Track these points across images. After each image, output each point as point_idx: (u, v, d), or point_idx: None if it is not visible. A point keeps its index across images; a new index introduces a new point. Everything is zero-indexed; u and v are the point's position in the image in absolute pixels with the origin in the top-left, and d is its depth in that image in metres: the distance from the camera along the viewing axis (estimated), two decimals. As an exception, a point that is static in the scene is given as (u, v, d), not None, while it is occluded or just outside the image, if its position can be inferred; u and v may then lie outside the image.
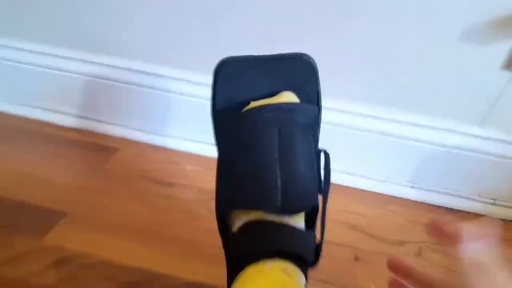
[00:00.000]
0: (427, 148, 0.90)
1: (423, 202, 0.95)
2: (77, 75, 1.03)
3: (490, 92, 0.83)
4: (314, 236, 0.54)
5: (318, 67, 0.57)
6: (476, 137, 0.87)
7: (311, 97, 0.58)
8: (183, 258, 0.77)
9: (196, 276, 0.74)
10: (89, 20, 0.97)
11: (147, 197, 0.90)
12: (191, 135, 1.03)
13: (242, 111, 0.56)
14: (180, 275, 0.74)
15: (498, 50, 0.78)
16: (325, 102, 0.89)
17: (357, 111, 0.91)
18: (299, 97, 0.57)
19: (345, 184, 0.97)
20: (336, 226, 0.87)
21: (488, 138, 0.86)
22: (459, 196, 0.94)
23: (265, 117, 0.53)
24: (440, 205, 0.94)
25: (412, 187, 0.95)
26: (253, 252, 0.48)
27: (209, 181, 0.92)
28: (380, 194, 0.96)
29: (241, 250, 0.49)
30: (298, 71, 0.57)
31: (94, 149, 1.03)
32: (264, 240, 0.48)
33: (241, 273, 0.47)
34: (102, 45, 1.00)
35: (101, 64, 1.01)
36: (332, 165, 0.55)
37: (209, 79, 0.91)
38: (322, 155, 0.56)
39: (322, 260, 0.78)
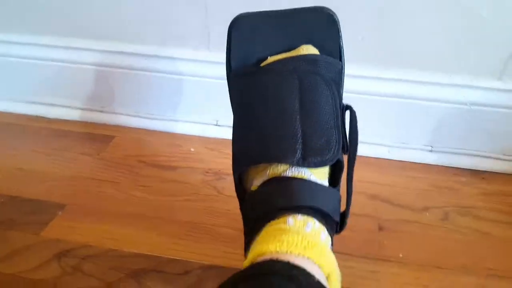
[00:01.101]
0: (443, 108, 0.85)
1: (444, 166, 0.89)
2: (62, 64, 0.97)
3: (507, 39, 0.77)
4: (339, 194, 0.49)
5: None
6: (497, 90, 0.81)
7: (333, 52, 0.54)
8: (194, 241, 0.72)
9: (209, 258, 0.68)
10: (73, 4, 0.90)
11: (150, 182, 0.84)
12: (190, 116, 0.97)
13: (260, 65, 0.53)
14: (193, 258, 0.68)
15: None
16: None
17: (363, 74, 0.85)
18: (319, 52, 0.54)
19: (358, 153, 0.91)
20: (355, 197, 0.78)
21: (509, 90, 0.81)
22: (482, 156, 0.88)
23: (285, 68, 0.50)
24: (463, 167, 0.89)
25: (431, 150, 0.90)
26: (272, 208, 0.44)
27: (214, 161, 0.89)
28: (397, 160, 0.91)
29: (260, 207, 0.45)
30: (318, 25, 0.54)
31: (88, 139, 0.97)
32: (283, 195, 0.44)
33: (261, 231, 0.43)
34: (89, 30, 0.93)
35: (87, 50, 0.95)
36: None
37: (202, 55, 0.86)
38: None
39: (345, 233, 0.73)
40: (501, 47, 0.78)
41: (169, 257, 0.68)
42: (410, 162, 0.90)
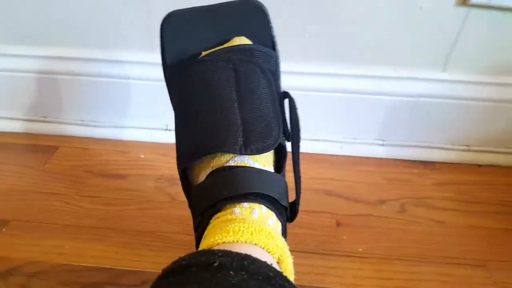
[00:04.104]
0: (391, 101, 0.86)
1: (396, 158, 0.91)
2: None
3: (448, 32, 0.79)
4: (284, 180, 0.49)
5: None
6: (441, 81, 0.83)
7: (265, 43, 0.54)
8: (149, 250, 0.69)
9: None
10: (8, 7, 0.85)
11: (98, 192, 0.80)
12: (138, 122, 0.94)
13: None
14: (149, 268, 0.66)
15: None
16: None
17: (310, 70, 0.85)
18: (252, 43, 0.53)
19: (310, 151, 0.91)
20: (310, 194, 0.81)
21: (454, 81, 0.83)
22: (432, 147, 0.90)
23: (219, 60, 0.50)
24: (414, 159, 0.90)
25: (382, 144, 0.91)
26: (217, 199, 0.43)
27: (166, 167, 0.86)
28: (349, 156, 0.91)
29: (205, 200, 0.44)
30: (248, 16, 0.54)
31: (30, 150, 0.92)
32: (228, 185, 0.43)
33: (209, 225, 0.42)
34: (26, 36, 0.88)
35: (25, 56, 0.89)
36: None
37: (147, 57, 0.83)
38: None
39: (304, 231, 0.73)
40: (443, 39, 0.80)
41: (124, 268, 0.65)
42: (362, 157, 0.91)
